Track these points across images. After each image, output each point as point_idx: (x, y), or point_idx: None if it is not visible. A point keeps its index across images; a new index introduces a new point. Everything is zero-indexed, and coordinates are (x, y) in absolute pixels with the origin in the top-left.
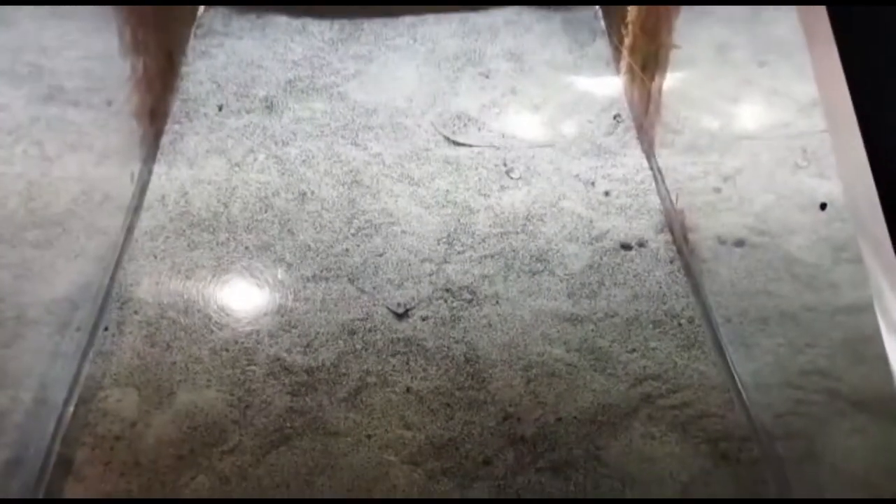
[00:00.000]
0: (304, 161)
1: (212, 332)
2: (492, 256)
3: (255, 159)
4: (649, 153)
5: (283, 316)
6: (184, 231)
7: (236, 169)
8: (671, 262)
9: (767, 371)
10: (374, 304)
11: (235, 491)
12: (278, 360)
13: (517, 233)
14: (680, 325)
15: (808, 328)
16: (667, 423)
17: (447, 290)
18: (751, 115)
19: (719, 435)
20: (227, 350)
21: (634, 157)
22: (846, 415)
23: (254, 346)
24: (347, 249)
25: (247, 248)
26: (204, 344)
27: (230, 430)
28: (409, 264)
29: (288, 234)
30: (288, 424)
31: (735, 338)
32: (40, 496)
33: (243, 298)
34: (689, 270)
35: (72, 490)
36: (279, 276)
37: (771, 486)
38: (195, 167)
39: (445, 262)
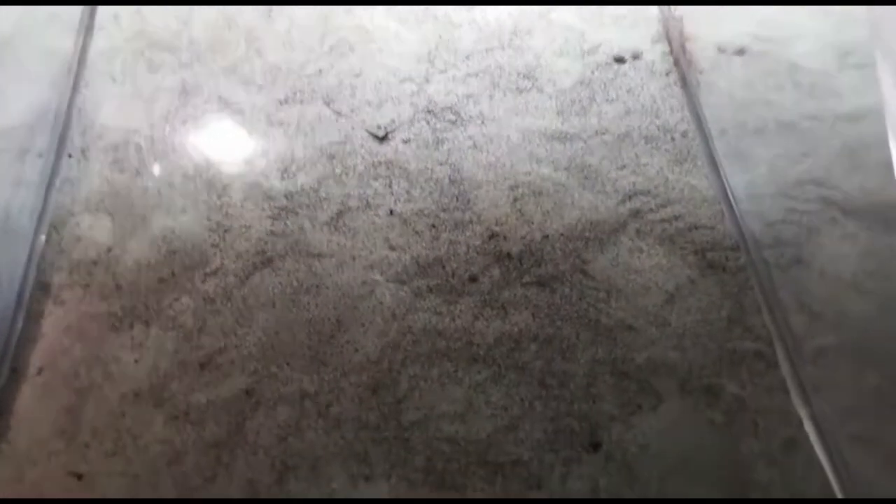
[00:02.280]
0: None
1: (183, 158)
2: (476, 75)
3: None
4: None
5: (257, 141)
6: (142, 52)
7: None
8: (667, 74)
9: (761, 182)
10: (353, 128)
11: (221, 310)
12: (255, 185)
13: (503, 48)
14: (673, 139)
15: (807, 137)
16: (655, 236)
17: (429, 112)
18: None
19: (707, 245)
20: (200, 176)
21: None
22: (838, 222)
23: (229, 172)
24: (321, 70)
25: (212, 69)
26: (176, 170)
27: (210, 253)
28: (388, 85)
29: (255, 54)
30: (270, 247)
31: (730, 150)
32: (20, 321)
33: (213, 123)
34: (685, 82)
35: (53, 313)
36: (250, 100)
37: (756, 292)
38: None
39: (427, 81)
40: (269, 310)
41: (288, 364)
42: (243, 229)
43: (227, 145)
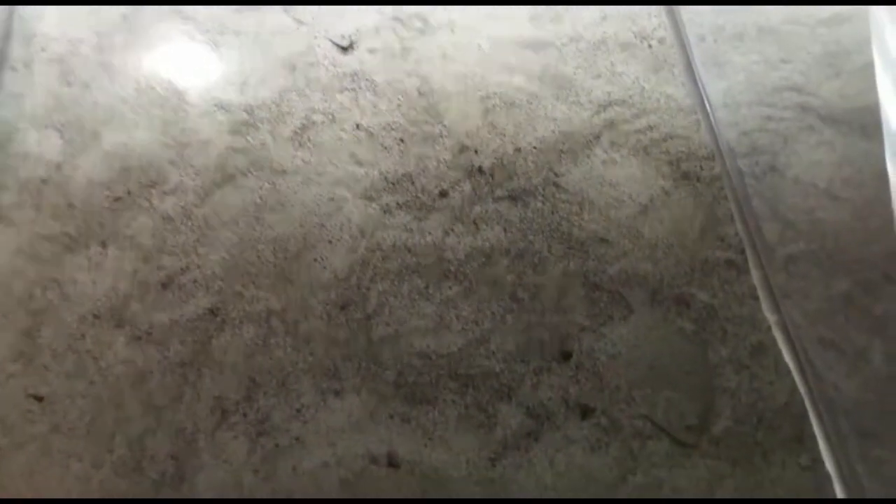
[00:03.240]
0: None
1: (134, 70)
2: None
3: None
4: None
5: (212, 51)
6: None
7: None
8: None
9: (738, 90)
10: (315, 37)
11: (181, 230)
12: (213, 98)
13: None
14: (650, 46)
15: (787, 43)
16: (629, 147)
17: (396, 19)
18: None
19: (682, 155)
20: (153, 88)
21: None
22: (815, 129)
23: (184, 85)
24: None
25: None
26: (126, 83)
27: (168, 170)
28: None
29: None
30: (231, 164)
31: (708, 58)
32: None
33: (166, 32)
34: None
35: (2, 233)
36: (204, 7)
37: (730, 201)
38: None
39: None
40: (233, 228)
41: (253, 283)
42: (202, 145)
43: (180, 56)
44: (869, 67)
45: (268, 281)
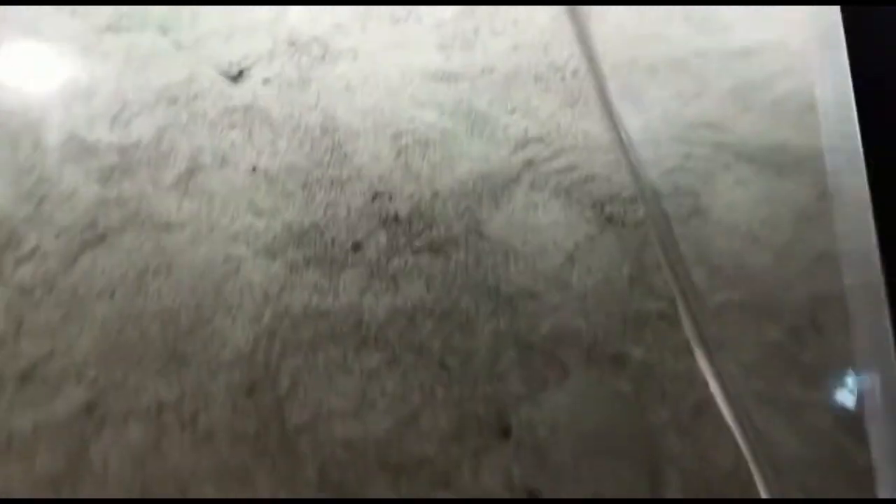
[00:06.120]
0: None
1: None
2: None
3: None
4: None
5: (74, 80)
6: None
7: None
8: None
9: (656, 125)
10: (199, 63)
11: (43, 304)
12: (76, 137)
13: None
14: (564, 78)
15: (699, 76)
16: (550, 188)
17: (291, 44)
18: None
19: (605, 198)
20: (1, 127)
21: None
22: (731, 167)
23: (39, 121)
24: None
25: None
26: None
27: (23, 230)
28: (239, 10)
29: None
30: (102, 219)
31: (623, 91)
32: None
33: (16, 57)
34: (574, 14)
35: None
36: (61, 26)
37: (656, 247)
38: None
39: (285, 6)
40: (108, 300)
41: (138, 368)
42: (65, 197)
43: (35, 86)
44: (778, 103)
45: (156, 365)
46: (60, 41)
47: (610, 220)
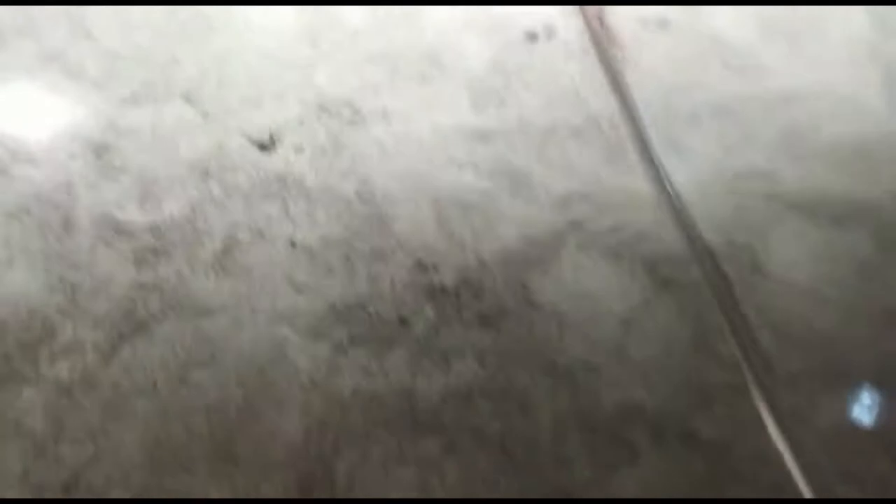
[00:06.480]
0: None
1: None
2: (371, 58)
3: None
4: None
5: (100, 156)
6: None
7: None
8: (585, 53)
9: (703, 177)
10: (228, 133)
11: (83, 404)
12: (107, 218)
13: (398, 25)
14: (602, 130)
15: (743, 123)
16: (599, 250)
17: (322, 108)
18: None
19: (657, 258)
20: (27, 212)
21: None
22: (785, 220)
23: (68, 201)
24: (175, 56)
25: (25, 56)
26: None
27: (58, 322)
28: (265, 73)
29: (84, 36)
30: (140, 306)
31: (665, 141)
32: None
33: (36, 131)
34: (607, 63)
35: None
36: (83, 98)
37: (716, 310)
38: None
39: (312, 67)
40: (150, 396)
41: (186, 469)
42: (99, 284)
43: (60, 163)
44: (829, 150)
45: (205, 466)
46: (85, 116)
47: (665, 282)
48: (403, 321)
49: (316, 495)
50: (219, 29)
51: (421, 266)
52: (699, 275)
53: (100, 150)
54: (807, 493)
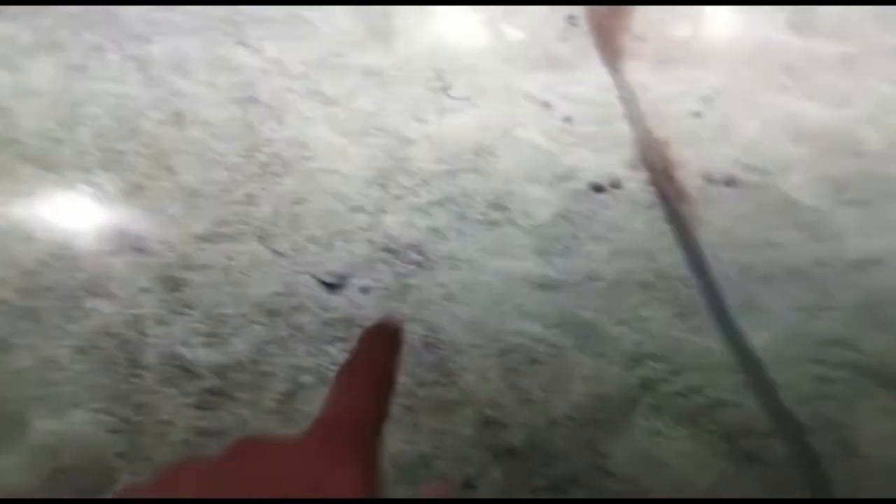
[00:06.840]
0: (174, 66)
1: (69, 319)
2: (439, 203)
3: (104, 60)
4: (612, 66)
5: (172, 292)
6: (10, 169)
7: (77, 74)
8: (651, 207)
9: (782, 342)
10: (297, 272)
11: None
12: (174, 357)
13: (466, 171)
14: (672, 286)
15: (819, 287)
16: (673, 415)
17: (389, 250)
18: (725, 22)
19: (737, 428)
20: (96, 346)
21: (595, 70)
22: (874, 394)
23: (136, 339)
24: (251, 195)
25: (106, 192)
26: (60, 339)
27: (117, 468)
28: (336, 215)
29: (165, 173)
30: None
31: (739, 301)
32: None
33: (111, 267)
34: (674, 218)
35: None
36: (159, 234)
37: (807, 488)
38: (17, 70)
39: (382, 211)
40: None
41: None
42: (160, 428)
43: (129, 298)
44: None
45: None
46: (157, 249)
47: (748, 457)
48: (469, 484)
49: None
50: (294, 170)
51: (488, 422)
52: (784, 450)
53: (171, 285)
54: None
